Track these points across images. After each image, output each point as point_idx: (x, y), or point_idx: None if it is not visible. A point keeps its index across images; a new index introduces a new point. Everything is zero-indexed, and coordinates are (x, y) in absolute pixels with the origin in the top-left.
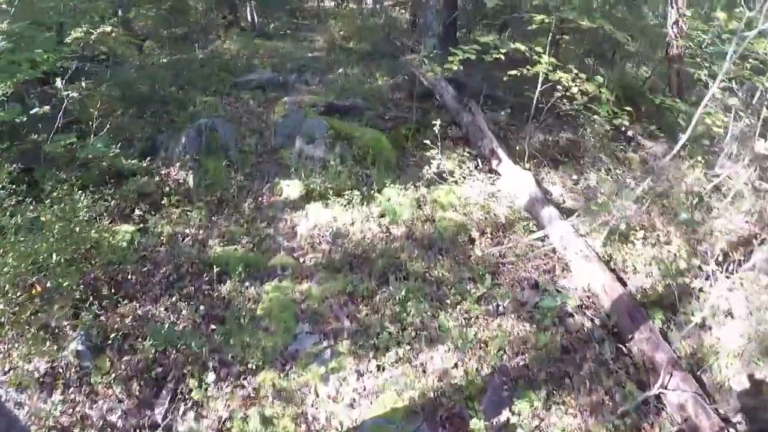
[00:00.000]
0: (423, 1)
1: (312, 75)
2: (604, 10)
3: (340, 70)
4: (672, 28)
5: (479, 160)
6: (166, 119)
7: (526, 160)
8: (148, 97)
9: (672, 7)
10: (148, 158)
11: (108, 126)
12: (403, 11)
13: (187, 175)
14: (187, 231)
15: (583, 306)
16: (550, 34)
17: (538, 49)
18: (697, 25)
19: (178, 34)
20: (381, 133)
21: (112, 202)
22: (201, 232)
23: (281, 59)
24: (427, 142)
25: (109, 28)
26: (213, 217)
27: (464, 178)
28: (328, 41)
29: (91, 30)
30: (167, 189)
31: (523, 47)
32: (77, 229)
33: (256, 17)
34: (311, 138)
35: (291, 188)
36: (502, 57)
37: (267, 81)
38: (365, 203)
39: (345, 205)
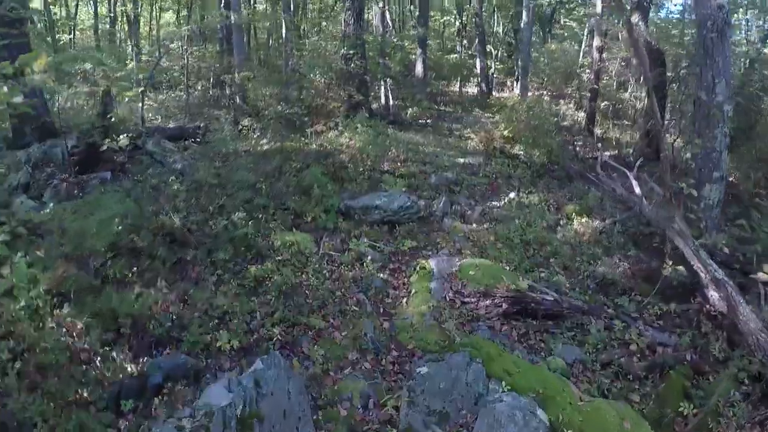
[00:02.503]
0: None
1: (468, 199)
2: None
3: (511, 195)
4: None
5: None
6: (192, 305)
7: None
8: (180, 235)
9: None
10: None
11: None
12: (573, 106)
13: None
14: None
15: None
16: None
17: None
18: None
19: (286, 114)
20: None
21: None
22: None
23: (421, 165)
24: None
25: None
26: None
27: None
28: (484, 142)
29: None
30: None
31: None
32: None
33: (391, 100)
34: None
35: None
36: None
37: (399, 210)
38: None
39: None
